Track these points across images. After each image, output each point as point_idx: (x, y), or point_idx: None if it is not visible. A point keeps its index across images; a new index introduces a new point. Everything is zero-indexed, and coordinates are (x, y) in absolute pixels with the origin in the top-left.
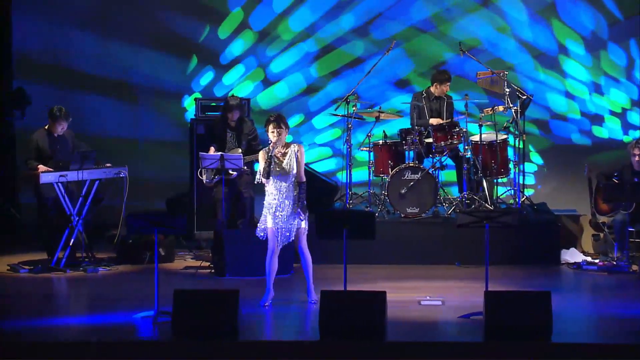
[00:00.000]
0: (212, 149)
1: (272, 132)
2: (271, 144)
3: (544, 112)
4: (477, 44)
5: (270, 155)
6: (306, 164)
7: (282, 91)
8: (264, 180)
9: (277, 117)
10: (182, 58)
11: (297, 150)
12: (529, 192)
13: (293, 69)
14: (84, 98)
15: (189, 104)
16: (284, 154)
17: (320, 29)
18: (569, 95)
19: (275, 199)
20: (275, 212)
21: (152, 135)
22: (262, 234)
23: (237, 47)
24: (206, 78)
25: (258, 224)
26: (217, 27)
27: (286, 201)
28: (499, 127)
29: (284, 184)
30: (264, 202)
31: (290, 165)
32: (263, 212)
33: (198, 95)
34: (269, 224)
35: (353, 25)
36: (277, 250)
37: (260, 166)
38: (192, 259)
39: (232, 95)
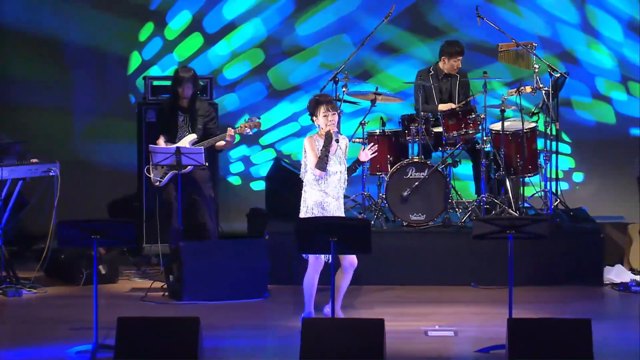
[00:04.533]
0: (161, 139)
1: (325, 115)
2: (330, 128)
3: (586, 94)
4: None
5: (335, 140)
6: (280, 159)
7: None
8: (318, 173)
9: (329, 97)
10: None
11: (346, 144)
12: (563, 185)
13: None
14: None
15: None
16: (334, 145)
17: None
18: (614, 75)
19: (324, 200)
20: (319, 215)
21: (91, 121)
22: None
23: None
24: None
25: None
26: None
27: (335, 202)
28: (526, 113)
29: (334, 181)
30: (305, 205)
31: (341, 158)
32: (303, 216)
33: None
34: None
35: None
36: (322, 264)
37: (309, 156)
38: (140, 278)
39: (184, 66)
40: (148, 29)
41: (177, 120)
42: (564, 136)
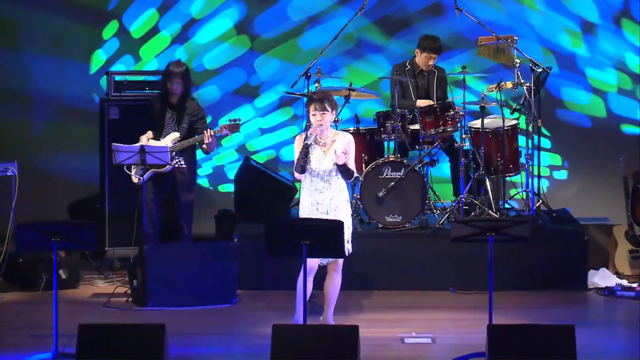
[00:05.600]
0: (144, 135)
1: (314, 114)
2: (311, 129)
3: (570, 91)
4: None
5: (308, 144)
6: (250, 159)
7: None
8: (297, 174)
9: (323, 95)
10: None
11: (348, 142)
12: (544, 183)
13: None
14: None
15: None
16: (329, 144)
17: None
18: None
19: (312, 202)
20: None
21: (52, 122)
22: None
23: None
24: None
25: None
26: None
27: (327, 204)
28: (506, 110)
29: (324, 183)
30: (301, 206)
31: (335, 158)
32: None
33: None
34: None
35: None
36: (315, 267)
37: (295, 156)
38: (103, 283)
39: (177, 61)
40: (112, 27)
41: (165, 117)
42: (544, 130)
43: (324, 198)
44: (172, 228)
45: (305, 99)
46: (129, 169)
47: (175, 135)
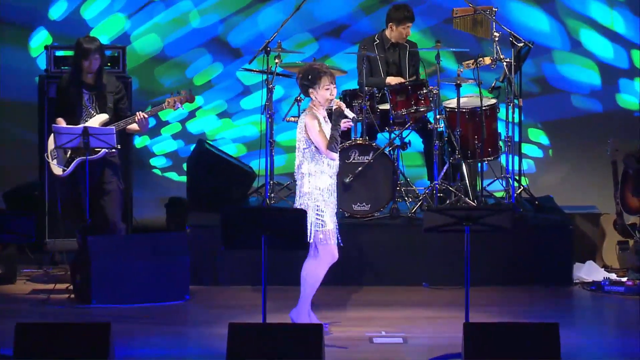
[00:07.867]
0: (61, 122)
1: (328, 88)
2: (338, 103)
3: (552, 68)
4: None
5: (353, 118)
6: (204, 141)
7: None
8: (332, 155)
9: (328, 66)
10: None
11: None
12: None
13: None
14: None
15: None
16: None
17: None
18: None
19: (331, 183)
20: (329, 202)
21: None
22: (318, 237)
23: None
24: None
25: (309, 226)
26: None
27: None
28: (485, 88)
29: (337, 162)
30: (309, 190)
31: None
32: (312, 205)
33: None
34: (330, 223)
35: None
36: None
37: (316, 135)
38: (42, 279)
39: (87, 36)
40: (61, 6)
41: (82, 99)
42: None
43: (334, 181)
44: (100, 218)
45: (268, 76)
46: (49, 158)
47: (104, 117)
